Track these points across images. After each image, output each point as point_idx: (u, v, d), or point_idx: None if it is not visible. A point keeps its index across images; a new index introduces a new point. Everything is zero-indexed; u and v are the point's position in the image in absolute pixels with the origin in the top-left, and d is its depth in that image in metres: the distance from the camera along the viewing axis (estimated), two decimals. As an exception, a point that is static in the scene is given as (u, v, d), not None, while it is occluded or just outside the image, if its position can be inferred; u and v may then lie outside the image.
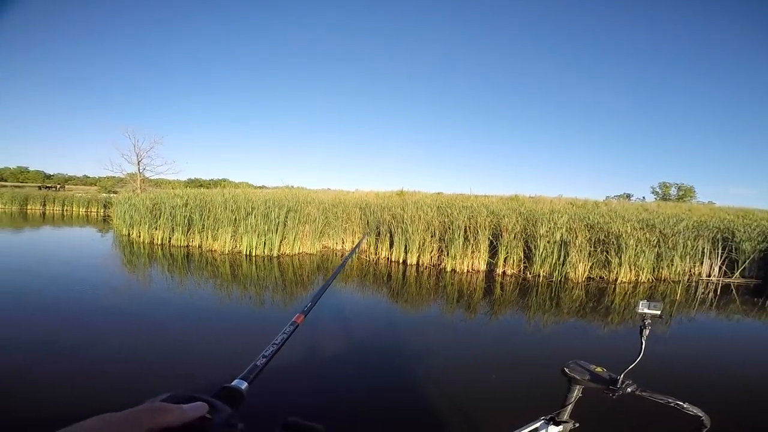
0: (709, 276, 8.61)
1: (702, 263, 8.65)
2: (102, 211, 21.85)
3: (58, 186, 34.73)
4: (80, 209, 22.60)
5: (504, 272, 8.05)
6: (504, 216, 8.46)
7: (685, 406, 0.93)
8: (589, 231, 7.97)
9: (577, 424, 1.13)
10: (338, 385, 3.28)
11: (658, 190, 38.25)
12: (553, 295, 6.95)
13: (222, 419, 0.39)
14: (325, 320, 4.98)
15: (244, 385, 0.51)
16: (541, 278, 7.75)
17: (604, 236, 7.98)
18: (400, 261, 8.85)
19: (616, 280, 7.74)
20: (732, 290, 7.80)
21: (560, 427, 1.12)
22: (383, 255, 9.23)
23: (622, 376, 0.99)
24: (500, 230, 8.07)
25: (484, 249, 8.08)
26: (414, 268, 8.47)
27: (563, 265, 7.68)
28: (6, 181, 37.34)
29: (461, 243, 8.08)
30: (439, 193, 14.60)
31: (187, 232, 10.02)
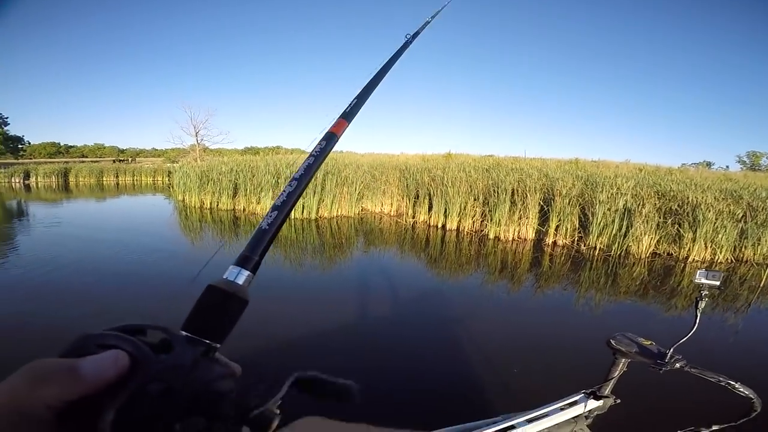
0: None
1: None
2: (166, 179, 23.64)
3: (130, 159, 38.02)
4: (148, 179, 24.74)
5: (555, 242, 7.34)
6: (558, 179, 7.65)
7: (736, 386, 0.87)
8: (659, 199, 6.97)
9: (618, 400, 1.07)
10: (371, 350, 3.21)
11: (745, 159, 34.20)
12: (609, 270, 6.21)
13: (167, 364, 0.25)
14: (353, 285, 4.91)
15: (243, 276, 0.32)
16: (597, 251, 6.96)
17: (678, 206, 6.95)
18: (439, 226, 8.42)
19: (687, 258, 6.74)
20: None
21: (600, 402, 1.07)
22: (421, 219, 8.84)
23: (671, 350, 0.93)
24: (553, 195, 7.32)
25: (534, 215, 7.40)
26: (454, 233, 8.02)
27: (625, 237, 6.82)
28: (86, 156, 41.55)
29: (507, 208, 7.46)
30: (490, 156, 13.66)
31: (234, 196, 10.35)
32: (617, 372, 1.05)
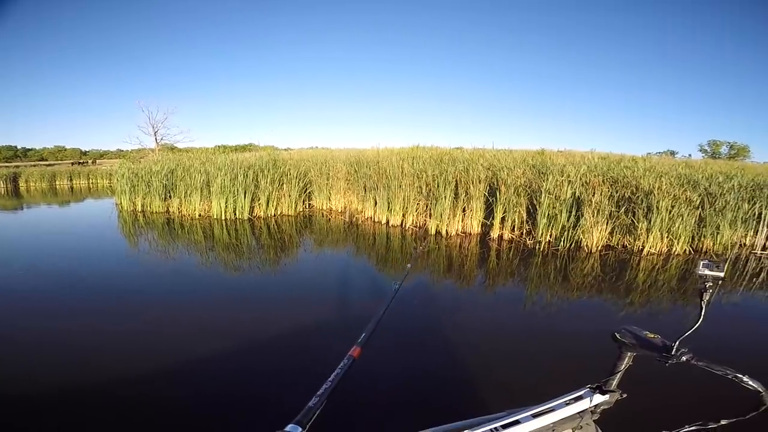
0: (765, 249, 6.78)
1: (756, 233, 6.85)
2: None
3: (91, 161, 36.19)
4: (104, 181, 23.29)
5: (501, 236, 6.71)
6: (503, 167, 7.02)
7: (744, 379, 0.84)
8: (611, 187, 6.40)
9: (625, 395, 1.04)
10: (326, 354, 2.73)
11: (707, 148, 35.18)
12: (558, 266, 5.63)
13: None
14: (287, 288, 4.56)
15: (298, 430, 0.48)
16: (544, 245, 6.36)
17: (631, 193, 6.39)
18: (383, 221, 7.72)
19: (642, 250, 6.20)
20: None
21: (606, 396, 1.04)
22: (367, 215, 8.13)
23: (677, 343, 0.90)
24: (498, 185, 6.68)
25: (478, 208, 6.75)
26: (398, 229, 7.33)
27: (574, 228, 6.23)
28: (46, 159, 39.41)
29: (449, 201, 6.80)
30: (458, 148, 13.10)
31: (165, 198, 9.49)
32: (623, 366, 1.02)
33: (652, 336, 0.98)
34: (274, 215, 8.47)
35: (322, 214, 9.02)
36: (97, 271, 5.16)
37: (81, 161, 36.08)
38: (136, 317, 3.64)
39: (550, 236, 6.40)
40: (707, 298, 0.92)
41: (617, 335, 1.03)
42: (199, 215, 8.54)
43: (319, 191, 9.23)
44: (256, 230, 7.52)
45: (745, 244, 6.88)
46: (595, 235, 6.19)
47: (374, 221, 7.89)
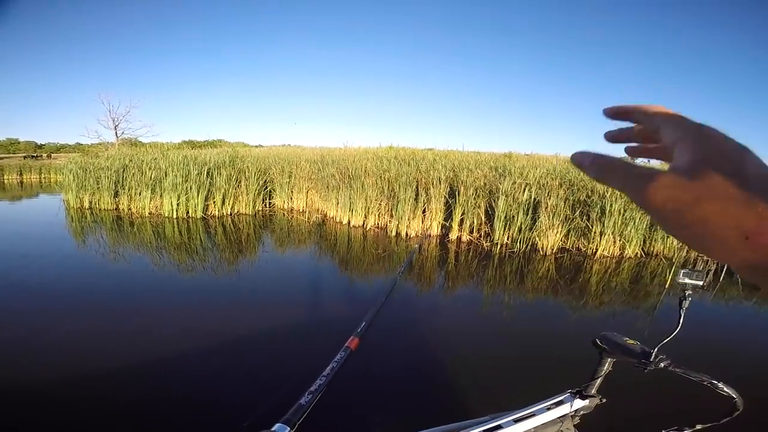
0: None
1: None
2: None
3: (47, 155, 34.02)
4: (58, 176, 21.95)
5: (459, 238, 6.66)
6: (464, 168, 6.98)
7: (719, 385, 0.87)
8: (566, 190, 6.47)
9: (604, 400, 1.08)
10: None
11: None
12: (513, 268, 5.64)
13: None
14: (240, 291, 4.31)
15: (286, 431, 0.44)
16: (501, 247, 6.35)
17: (586, 196, 6.49)
18: (344, 222, 7.54)
19: (595, 253, 6.29)
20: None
21: (587, 401, 1.07)
22: (330, 215, 7.92)
23: (656, 350, 0.92)
24: (458, 187, 6.63)
25: (438, 209, 6.68)
26: (360, 230, 7.16)
27: (530, 230, 6.26)
28: (-5, 153, 36.75)
29: (409, 202, 6.69)
30: (430, 149, 13.11)
31: (115, 194, 8.93)
32: (603, 371, 1.03)
33: (632, 342, 0.99)
34: (230, 214, 8.11)
35: (283, 213, 8.73)
36: (36, 272, 4.71)
37: (34, 155, 33.89)
38: (78, 320, 3.35)
39: (508, 238, 6.40)
40: (686, 305, 0.95)
41: (597, 341, 1.04)
42: (150, 213, 8.07)
43: (281, 190, 8.93)
44: (210, 229, 7.16)
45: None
46: (551, 238, 6.23)
47: (336, 221, 7.69)
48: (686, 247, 6.98)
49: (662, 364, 0.90)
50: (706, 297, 5.11)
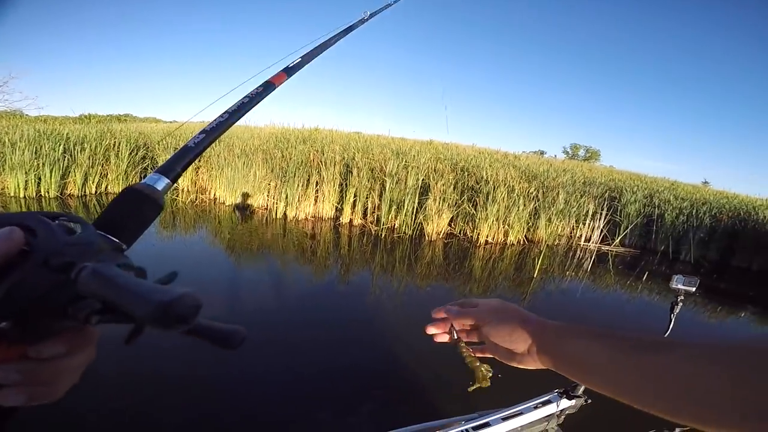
0: (588, 241, 7.66)
1: (584, 224, 7.70)
2: None
3: None
4: None
5: (351, 221, 6.43)
6: (359, 149, 6.75)
7: None
8: (456, 175, 6.54)
9: (590, 400, 1.10)
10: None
11: (568, 150, 41.27)
12: (402, 253, 5.54)
13: (50, 247, 0.22)
14: None
15: (163, 183, 0.34)
16: (389, 231, 6.24)
17: (475, 182, 6.62)
18: (227, 203, 6.89)
19: (477, 239, 6.43)
20: (609, 260, 6.73)
21: (572, 402, 1.10)
22: (217, 195, 7.20)
23: None
24: (351, 169, 6.37)
25: (331, 192, 6.36)
26: (245, 212, 6.58)
27: (416, 215, 6.21)
28: None
29: (297, 183, 6.28)
30: (357, 133, 12.72)
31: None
32: None
33: None
34: (95, 193, 7.00)
35: (165, 193, 7.78)
36: None
37: None
38: None
39: (397, 222, 6.30)
40: (677, 311, 1.00)
41: None
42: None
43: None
44: (66, 209, 6.08)
45: (574, 236, 7.67)
46: (439, 223, 6.25)
47: (221, 202, 7.00)
48: (565, 236, 7.53)
49: None
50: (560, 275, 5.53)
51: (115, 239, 0.26)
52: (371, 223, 6.38)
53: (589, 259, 6.73)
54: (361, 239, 5.97)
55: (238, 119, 0.43)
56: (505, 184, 6.36)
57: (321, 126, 12.25)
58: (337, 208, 6.47)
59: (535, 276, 5.09)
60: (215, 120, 0.41)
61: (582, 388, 1.10)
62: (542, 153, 30.15)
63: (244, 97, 0.45)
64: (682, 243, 7.68)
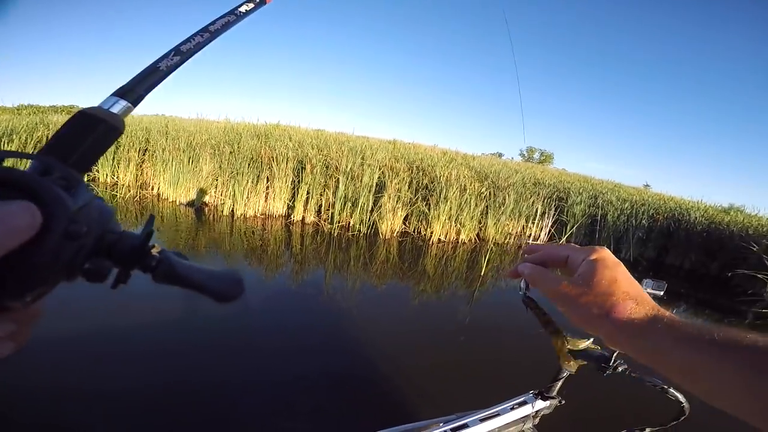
0: (537, 239, 7.98)
1: (533, 223, 8.01)
2: None
3: None
4: None
5: (303, 219, 6.28)
6: (314, 145, 6.62)
7: (671, 390, 0.90)
8: (410, 174, 6.58)
9: (563, 401, 1.11)
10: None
11: (524, 152, 43.42)
12: (355, 252, 5.47)
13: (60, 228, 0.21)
14: None
15: (121, 105, 0.30)
16: (343, 229, 6.17)
17: (429, 181, 6.69)
18: (170, 199, 6.52)
19: (431, 238, 6.51)
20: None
21: (547, 403, 1.11)
22: (160, 191, 6.79)
23: (615, 354, 0.93)
24: (304, 165, 6.23)
25: (282, 188, 6.18)
26: (188, 209, 6.25)
27: (370, 213, 6.18)
28: None
29: (246, 179, 6.05)
30: (319, 130, 12.45)
31: None
32: (564, 374, 1.03)
33: (593, 347, 1.02)
34: None
35: (105, 188, 7.24)
36: None
37: None
38: None
39: (352, 220, 6.23)
40: None
41: None
42: None
43: (105, 161, 7.40)
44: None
45: (524, 234, 7.95)
46: (394, 221, 6.26)
47: (163, 198, 6.61)
48: (515, 235, 7.78)
49: (620, 369, 0.92)
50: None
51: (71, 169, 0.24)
52: (325, 221, 6.26)
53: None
54: (314, 237, 5.84)
55: (217, 37, 0.36)
56: (457, 184, 6.47)
57: (282, 122, 11.96)
58: (288, 205, 6.29)
59: (482, 274, 5.20)
60: (193, 37, 0.35)
61: (556, 389, 1.09)
62: (500, 155, 31.26)
63: (229, 14, 0.38)
64: (622, 242, 8.19)
